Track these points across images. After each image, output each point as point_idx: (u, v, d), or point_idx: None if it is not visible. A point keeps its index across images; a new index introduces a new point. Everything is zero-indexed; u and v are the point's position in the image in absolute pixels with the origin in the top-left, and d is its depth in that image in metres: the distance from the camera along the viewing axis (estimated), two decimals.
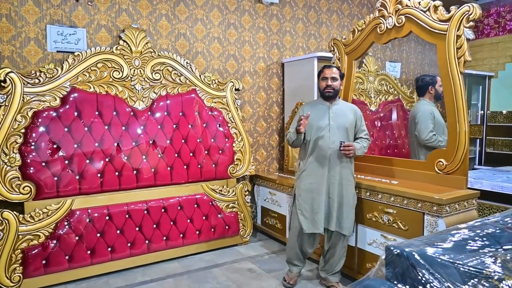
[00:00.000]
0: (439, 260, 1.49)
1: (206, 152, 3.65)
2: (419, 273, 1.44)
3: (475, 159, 5.82)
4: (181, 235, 3.46)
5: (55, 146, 3.00)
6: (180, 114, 3.55)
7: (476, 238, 1.72)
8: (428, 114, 3.33)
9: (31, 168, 2.90)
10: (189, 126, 3.58)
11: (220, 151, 3.72)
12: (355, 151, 2.74)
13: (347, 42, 3.45)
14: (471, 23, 2.51)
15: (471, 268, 1.46)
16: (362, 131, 2.90)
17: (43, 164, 2.94)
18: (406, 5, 2.88)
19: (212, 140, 3.69)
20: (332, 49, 3.60)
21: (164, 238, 3.39)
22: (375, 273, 1.57)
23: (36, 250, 2.86)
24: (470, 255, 1.56)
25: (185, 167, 3.54)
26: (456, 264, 1.48)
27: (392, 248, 1.57)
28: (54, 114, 3.02)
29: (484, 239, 1.72)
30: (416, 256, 1.49)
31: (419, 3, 2.79)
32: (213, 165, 3.69)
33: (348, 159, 2.79)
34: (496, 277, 1.44)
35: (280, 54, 4.46)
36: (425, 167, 2.88)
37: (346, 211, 2.75)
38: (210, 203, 3.63)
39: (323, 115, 2.80)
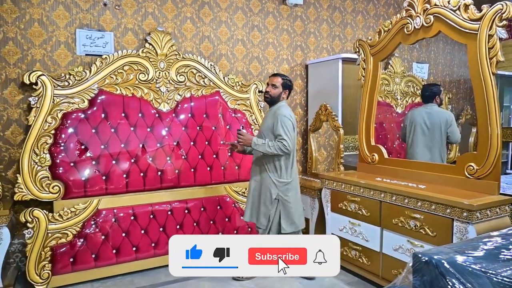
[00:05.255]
0: (470, 269, 1.43)
1: (229, 154, 3.65)
2: (449, 283, 1.39)
3: (508, 163, 5.58)
4: None
5: (83, 147, 3.08)
6: (204, 116, 3.57)
7: (510, 247, 1.64)
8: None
9: (60, 168, 2.99)
10: (213, 128, 3.59)
11: None
12: (250, 142, 2.88)
13: (372, 43, 3.38)
14: (504, 22, 2.40)
15: (505, 279, 1.40)
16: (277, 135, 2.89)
17: (72, 164, 3.02)
18: (435, 4, 2.79)
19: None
20: (357, 50, 3.54)
21: None
22: (402, 280, 1.52)
23: (64, 248, 2.94)
24: (504, 264, 1.49)
25: (208, 168, 3.56)
26: (488, 274, 1.41)
27: (420, 255, 1.51)
28: (82, 115, 3.10)
29: None
30: (446, 265, 1.43)
31: (448, 2, 2.71)
32: (236, 167, 3.69)
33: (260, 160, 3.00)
34: None
35: (304, 56, 4.42)
36: (454, 172, 2.78)
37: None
38: (233, 205, 3.63)
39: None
